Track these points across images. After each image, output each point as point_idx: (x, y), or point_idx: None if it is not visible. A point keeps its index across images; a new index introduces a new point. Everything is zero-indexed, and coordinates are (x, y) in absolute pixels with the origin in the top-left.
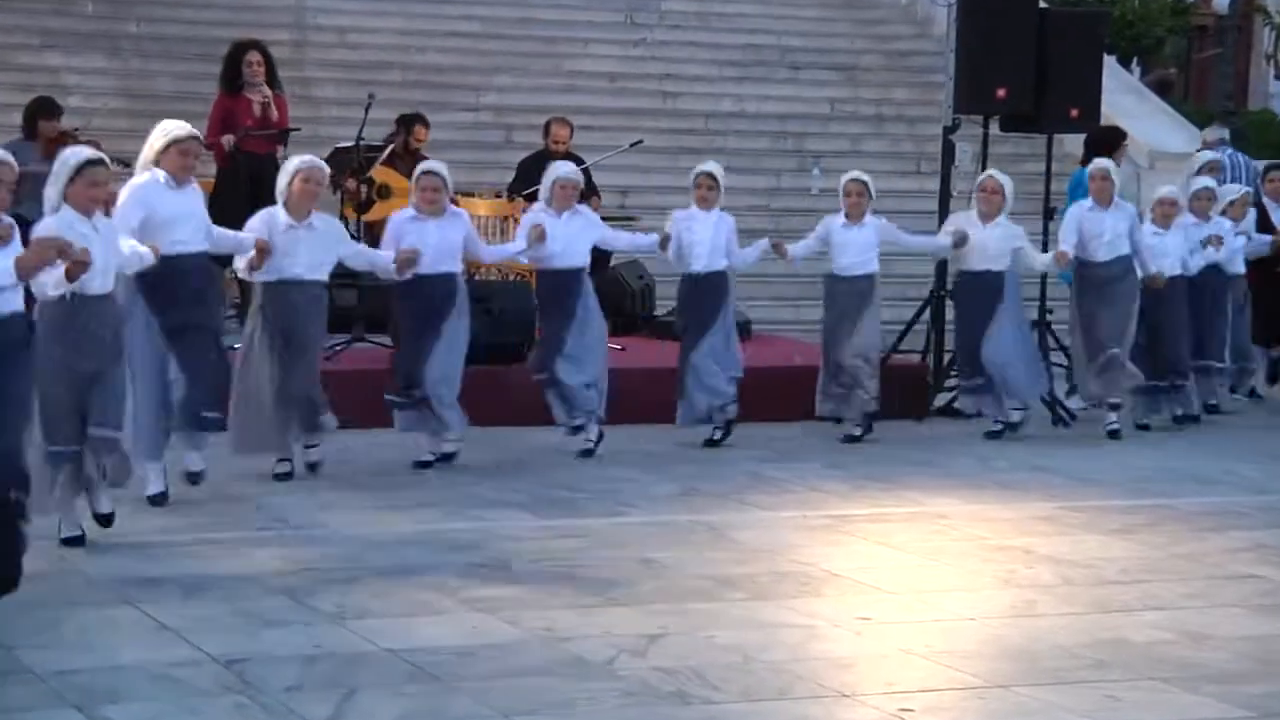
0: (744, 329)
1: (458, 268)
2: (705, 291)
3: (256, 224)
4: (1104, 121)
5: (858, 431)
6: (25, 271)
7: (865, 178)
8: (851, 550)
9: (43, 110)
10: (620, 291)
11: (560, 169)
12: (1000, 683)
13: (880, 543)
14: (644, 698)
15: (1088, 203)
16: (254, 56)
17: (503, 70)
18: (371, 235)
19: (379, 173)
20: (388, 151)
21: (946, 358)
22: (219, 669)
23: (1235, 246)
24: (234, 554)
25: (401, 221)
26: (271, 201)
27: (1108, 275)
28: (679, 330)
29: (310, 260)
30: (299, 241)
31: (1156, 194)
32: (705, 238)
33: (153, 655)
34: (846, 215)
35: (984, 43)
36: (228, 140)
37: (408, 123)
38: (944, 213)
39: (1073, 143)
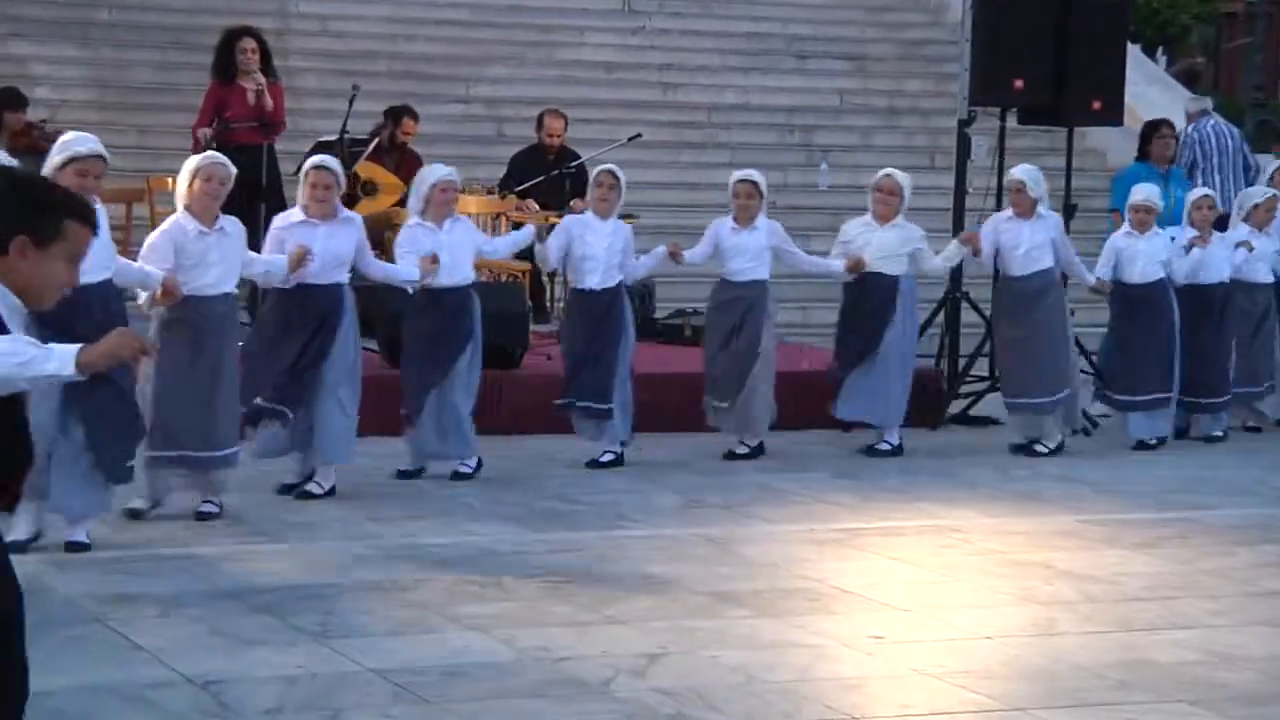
0: None
1: (344, 278)
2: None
3: (160, 241)
4: (1126, 115)
5: (742, 450)
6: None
7: (757, 177)
8: (862, 565)
9: (8, 101)
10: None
11: (436, 171)
12: (1018, 705)
13: (892, 557)
14: None
15: (1006, 214)
16: (248, 44)
17: (495, 60)
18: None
19: (364, 168)
20: (373, 145)
21: (962, 363)
22: (195, 691)
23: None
24: (212, 569)
25: (286, 227)
26: (261, 199)
27: (1026, 290)
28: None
29: (223, 270)
30: (209, 249)
31: (1131, 198)
32: (600, 250)
33: (126, 676)
34: (735, 219)
35: (1001, 31)
36: (204, 134)
37: (395, 115)
38: (959, 210)
39: (1095, 137)
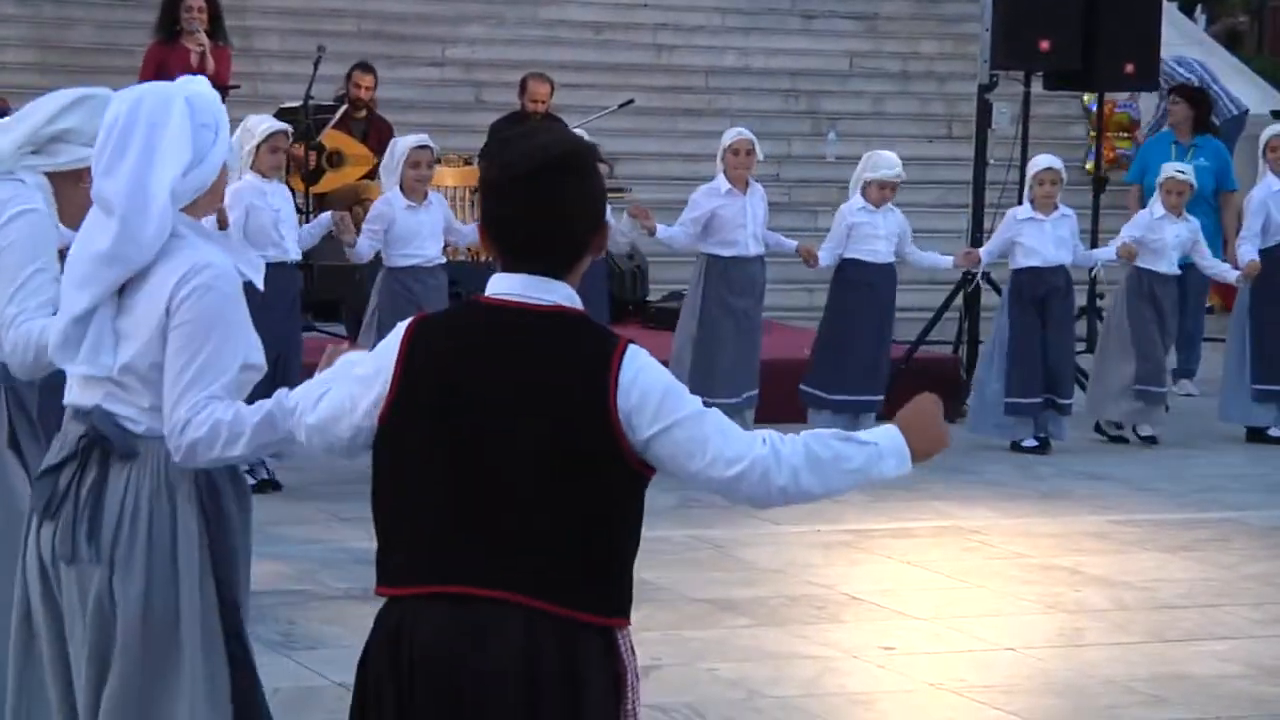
0: None
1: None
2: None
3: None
4: (1163, 79)
5: None
6: None
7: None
8: (872, 570)
9: None
10: (608, 275)
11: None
12: None
13: (905, 561)
14: None
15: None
16: (194, 1)
17: (472, 19)
18: (322, 209)
19: (330, 137)
20: (340, 113)
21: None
22: None
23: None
24: None
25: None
26: None
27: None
28: None
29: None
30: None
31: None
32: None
33: None
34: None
35: None
36: None
37: (349, 73)
38: (979, 183)
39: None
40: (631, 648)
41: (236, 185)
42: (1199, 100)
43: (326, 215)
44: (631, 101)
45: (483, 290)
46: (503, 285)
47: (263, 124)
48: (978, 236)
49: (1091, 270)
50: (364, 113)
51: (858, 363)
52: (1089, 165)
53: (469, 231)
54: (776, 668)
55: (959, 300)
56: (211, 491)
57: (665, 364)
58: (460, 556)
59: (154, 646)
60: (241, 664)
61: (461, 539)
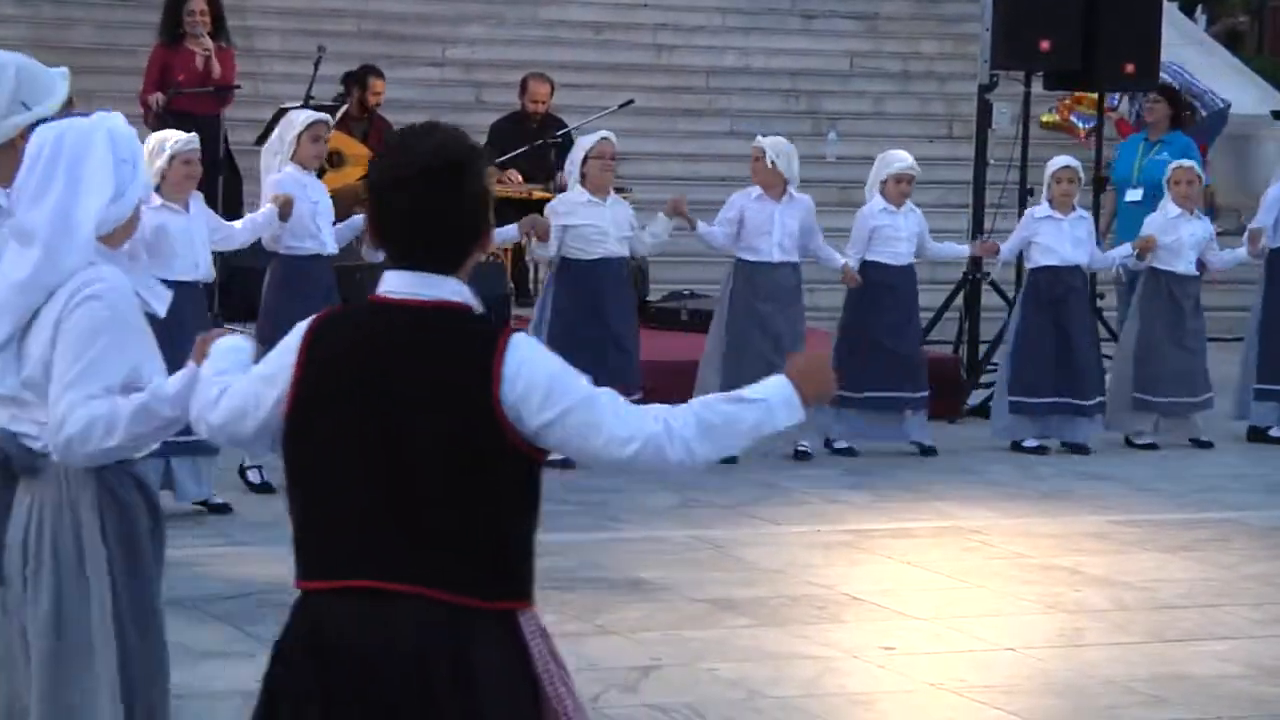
0: None
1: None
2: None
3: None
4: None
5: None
6: None
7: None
8: (873, 570)
9: None
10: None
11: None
12: None
13: (906, 562)
14: None
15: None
16: (197, 4)
17: (472, 19)
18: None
19: (331, 138)
20: (340, 113)
21: (982, 349)
22: None
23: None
24: (168, 574)
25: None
26: (219, 171)
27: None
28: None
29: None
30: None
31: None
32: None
33: None
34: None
35: None
36: (156, 99)
37: (359, 78)
38: (979, 183)
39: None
40: (540, 629)
41: (278, 176)
42: (1176, 100)
43: (359, 218)
44: (631, 102)
45: (492, 290)
46: (393, 283)
47: (303, 114)
48: (978, 236)
49: (1114, 270)
50: (364, 113)
51: (891, 360)
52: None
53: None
54: (776, 668)
55: (959, 300)
56: (116, 502)
57: (697, 365)
58: (367, 551)
59: (68, 660)
60: (156, 674)
61: (367, 534)
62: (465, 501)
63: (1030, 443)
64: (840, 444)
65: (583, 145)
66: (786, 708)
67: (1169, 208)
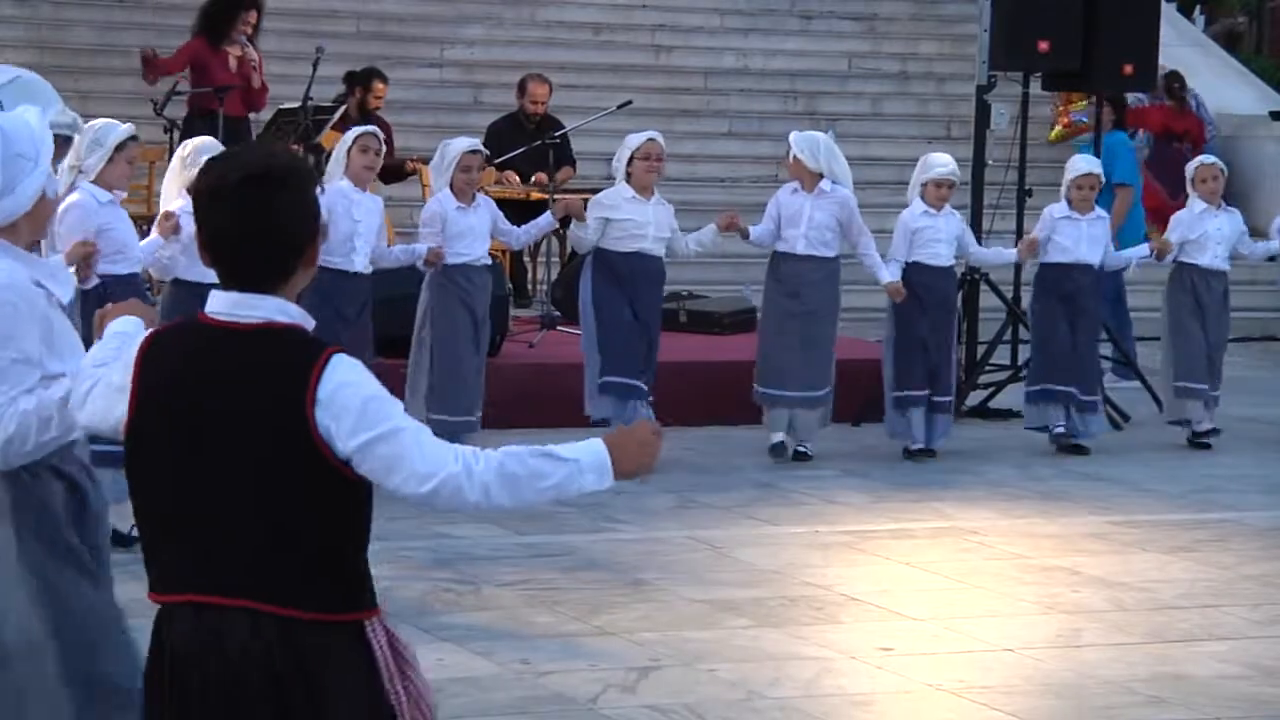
0: (753, 316)
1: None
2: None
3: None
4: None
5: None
6: None
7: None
8: (871, 571)
9: None
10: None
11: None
12: None
13: (904, 562)
14: None
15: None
16: (251, 16)
17: (471, 20)
18: None
19: (329, 139)
20: (339, 114)
21: (980, 350)
22: None
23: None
24: None
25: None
26: None
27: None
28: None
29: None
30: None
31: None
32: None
33: None
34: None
35: None
36: (175, 83)
37: (363, 80)
38: (978, 184)
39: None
40: (387, 637)
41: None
42: (1120, 104)
43: (423, 247)
44: (630, 102)
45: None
46: (216, 303)
47: (354, 130)
48: (976, 238)
49: (1124, 269)
50: (363, 114)
51: (928, 361)
52: None
53: (520, 233)
54: (775, 669)
55: (958, 301)
56: (34, 504)
57: (697, 365)
58: (198, 566)
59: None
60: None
61: (197, 549)
62: (287, 518)
63: (1058, 428)
64: (916, 445)
65: (629, 144)
66: (785, 708)
67: (1195, 204)
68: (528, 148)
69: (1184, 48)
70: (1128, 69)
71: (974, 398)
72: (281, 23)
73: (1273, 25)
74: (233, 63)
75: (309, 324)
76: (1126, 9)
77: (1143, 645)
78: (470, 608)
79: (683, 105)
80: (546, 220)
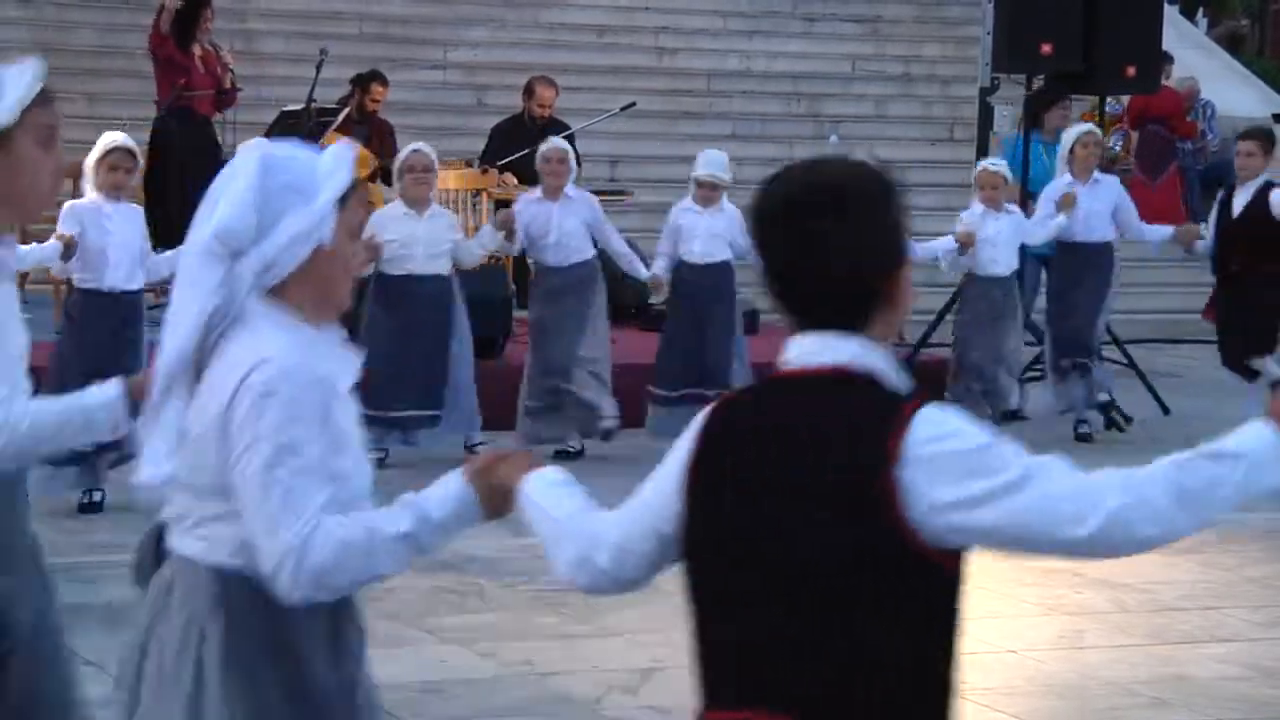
0: (752, 319)
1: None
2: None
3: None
4: (1165, 82)
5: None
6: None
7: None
8: None
9: None
10: (607, 279)
11: (409, 146)
12: None
13: None
14: None
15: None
16: (209, 13)
17: (474, 22)
18: None
19: (332, 140)
20: (343, 116)
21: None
22: None
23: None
24: None
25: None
26: (210, 172)
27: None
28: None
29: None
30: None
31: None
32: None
33: None
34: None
35: None
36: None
37: (363, 81)
38: None
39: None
40: None
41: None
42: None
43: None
44: (633, 104)
45: (493, 292)
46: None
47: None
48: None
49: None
50: (363, 116)
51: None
52: None
53: (472, 245)
54: None
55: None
56: None
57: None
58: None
59: None
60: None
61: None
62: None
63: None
64: None
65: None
66: None
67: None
68: (531, 149)
69: (1186, 50)
70: (1130, 71)
71: None
72: (285, 25)
73: (1275, 28)
74: (199, 64)
75: None
76: (1128, 11)
77: (1144, 646)
78: (473, 609)
79: (685, 107)
80: (488, 232)
